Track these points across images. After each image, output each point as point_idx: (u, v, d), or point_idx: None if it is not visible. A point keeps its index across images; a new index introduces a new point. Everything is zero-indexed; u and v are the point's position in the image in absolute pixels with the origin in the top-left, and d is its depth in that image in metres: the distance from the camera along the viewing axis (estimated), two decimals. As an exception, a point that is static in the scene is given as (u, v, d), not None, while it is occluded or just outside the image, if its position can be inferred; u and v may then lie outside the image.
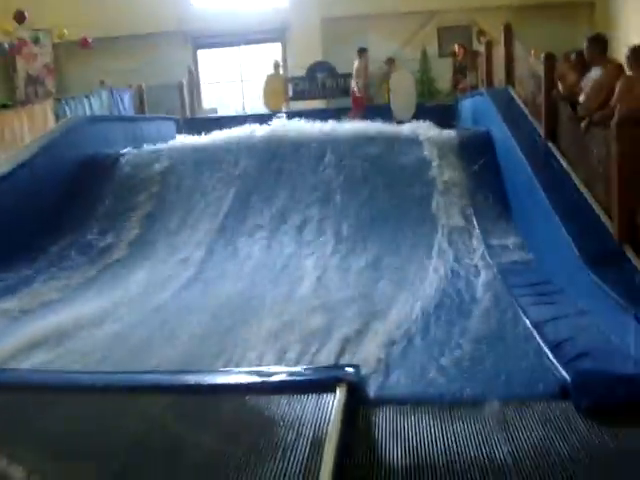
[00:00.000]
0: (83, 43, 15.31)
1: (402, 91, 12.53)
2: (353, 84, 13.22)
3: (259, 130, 9.78)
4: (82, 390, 3.49)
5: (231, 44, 17.41)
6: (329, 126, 9.73)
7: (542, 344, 4.24)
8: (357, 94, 13.01)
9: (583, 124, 5.85)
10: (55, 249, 7.67)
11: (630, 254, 4.73)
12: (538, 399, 3.55)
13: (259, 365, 4.37)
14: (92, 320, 5.47)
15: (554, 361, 3.93)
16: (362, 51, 13.11)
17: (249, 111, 15.81)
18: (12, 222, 7.52)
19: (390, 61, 13.31)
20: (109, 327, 5.35)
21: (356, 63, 13.19)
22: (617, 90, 5.48)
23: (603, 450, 3.05)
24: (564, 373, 3.72)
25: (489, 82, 10.74)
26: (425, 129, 9.11)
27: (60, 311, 5.77)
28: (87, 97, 12.16)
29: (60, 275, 6.91)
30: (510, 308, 5.06)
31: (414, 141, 8.69)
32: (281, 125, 10.06)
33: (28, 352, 4.79)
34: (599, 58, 6.08)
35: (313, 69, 15.46)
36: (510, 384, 3.76)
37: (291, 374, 3.55)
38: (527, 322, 4.67)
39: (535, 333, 4.44)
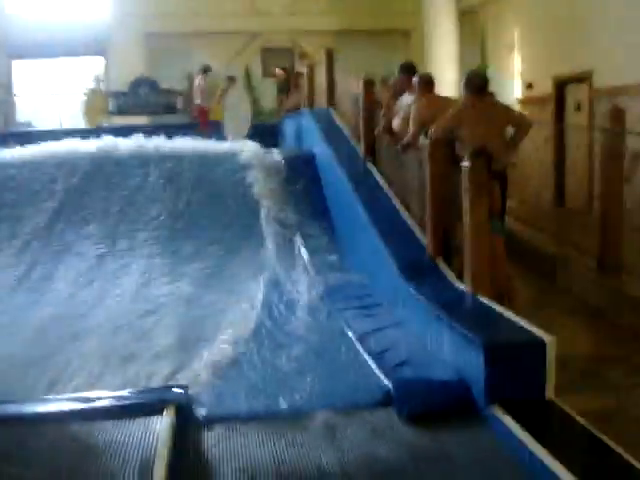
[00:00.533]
0: None
1: (237, 110, 12.59)
2: (198, 101, 13.24)
3: (83, 146, 9.32)
4: None
5: (50, 55, 16.54)
6: (162, 143, 9.47)
7: (365, 355, 4.43)
8: (204, 110, 13.05)
9: (400, 145, 6.19)
10: None
11: (442, 268, 5.06)
12: (363, 407, 3.73)
13: (85, 389, 4.20)
14: None
15: (377, 371, 4.13)
16: (206, 69, 13.22)
17: (67, 126, 15.07)
18: None
19: (231, 79, 13.35)
20: None
21: (197, 80, 13.25)
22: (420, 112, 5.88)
23: (424, 454, 3.25)
24: (386, 382, 3.92)
25: (311, 103, 11.08)
26: (252, 149, 9.14)
27: None
28: None
29: None
30: (334, 323, 5.22)
31: (241, 162, 8.70)
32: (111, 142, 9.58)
33: None
34: (409, 84, 6.47)
35: (136, 84, 15.11)
36: (336, 395, 3.89)
37: (116, 398, 3.45)
38: (350, 335, 4.85)
39: (358, 345, 4.63)
